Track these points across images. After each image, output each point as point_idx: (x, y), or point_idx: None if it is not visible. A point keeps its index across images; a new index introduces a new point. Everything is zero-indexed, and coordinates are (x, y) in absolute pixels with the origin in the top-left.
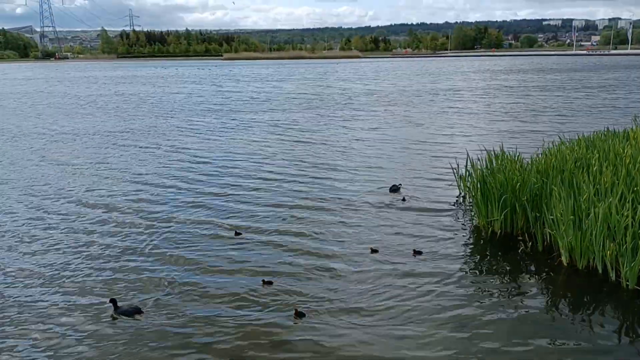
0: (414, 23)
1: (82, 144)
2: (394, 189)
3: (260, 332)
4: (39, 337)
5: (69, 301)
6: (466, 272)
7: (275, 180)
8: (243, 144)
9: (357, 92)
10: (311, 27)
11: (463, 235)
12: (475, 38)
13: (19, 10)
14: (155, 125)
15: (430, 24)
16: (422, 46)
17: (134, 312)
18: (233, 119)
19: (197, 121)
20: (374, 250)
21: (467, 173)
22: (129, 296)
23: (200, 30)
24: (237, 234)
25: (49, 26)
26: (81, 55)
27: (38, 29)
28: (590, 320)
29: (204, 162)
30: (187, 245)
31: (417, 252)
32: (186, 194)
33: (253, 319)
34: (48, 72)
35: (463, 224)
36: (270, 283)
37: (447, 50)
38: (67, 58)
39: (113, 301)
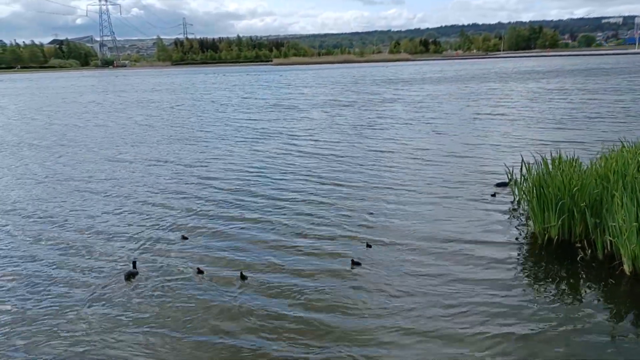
0: (465, 24)
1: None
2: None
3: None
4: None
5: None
6: (521, 280)
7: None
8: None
9: (405, 95)
10: (359, 31)
11: (518, 242)
12: (530, 38)
13: (79, 21)
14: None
15: (482, 24)
16: (473, 47)
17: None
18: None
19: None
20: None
21: (522, 178)
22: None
23: (250, 36)
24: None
25: (108, 35)
26: (138, 63)
27: (98, 39)
28: None
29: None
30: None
31: (355, 263)
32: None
33: None
34: (116, 81)
35: (518, 231)
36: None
37: (499, 51)
38: (125, 66)
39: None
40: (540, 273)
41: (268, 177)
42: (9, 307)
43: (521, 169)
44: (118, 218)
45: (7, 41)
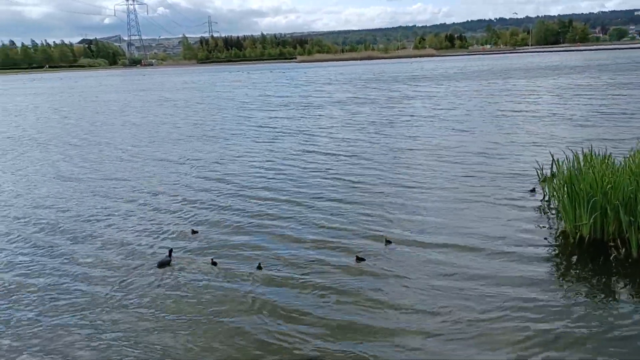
0: (492, 19)
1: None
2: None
3: None
4: None
5: None
6: (551, 280)
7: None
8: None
9: (426, 93)
10: (383, 27)
11: (548, 241)
12: (559, 32)
13: (107, 21)
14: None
15: (510, 19)
16: (500, 42)
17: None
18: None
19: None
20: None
21: (552, 174)
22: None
23: (274, 34)
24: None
25: (135, 35)
26: (164, 62)
27: (125, 38)
28: None
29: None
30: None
31: (388, 242)
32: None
33: None
34: (142, 79)
35: (548, 229)
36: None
37: (527, 45)
38: (152, 65)
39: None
40: (572, 272)
41: (286, 176)
42: (55, 294)
43: (552, 166)
44: (141, 214)
45: (38, 41)
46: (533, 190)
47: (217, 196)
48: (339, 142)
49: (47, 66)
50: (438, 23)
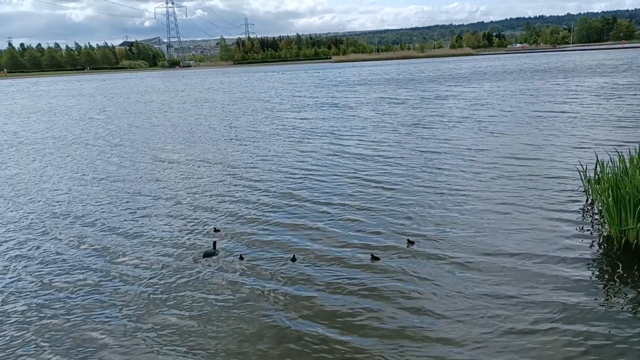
0: (532, 16)
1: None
2: None
3: None
4: None
5: None
6: (595, 287)
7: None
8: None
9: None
10: (420, 26)
11: (591, 245)
12: (602, 30)
13: (147, 23)
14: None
15: (550, 16)
16: (540, 40)
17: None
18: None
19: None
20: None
21: (597, 177)
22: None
23: (310, 34)
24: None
25: (174, 37)
26: (202, 63)
27: (165, 40)
28: None
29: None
30: None
31: (410, 242)
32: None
33: None
34: (179, 81)
35: (591, 233)
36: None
37: (568, 44)
38: (190, 66)
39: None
40: (617, 278)
41: (314, 179)
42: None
43: (595, 168)
44: (174, 213)
45: (81, 44)
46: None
47: (247, 196)
48: (368, 144)
49: (89, 68)
50: (475, 22)
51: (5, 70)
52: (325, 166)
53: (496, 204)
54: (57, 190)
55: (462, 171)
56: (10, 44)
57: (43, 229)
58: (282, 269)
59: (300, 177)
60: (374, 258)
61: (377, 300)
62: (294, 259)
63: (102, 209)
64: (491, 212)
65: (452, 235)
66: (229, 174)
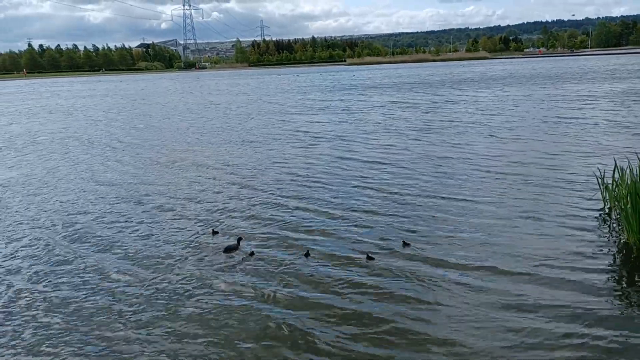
0: (549, 20)
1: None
2: None
3: None
4: None
5: None
6: (613, 294)
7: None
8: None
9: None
10: (435, 30)
11: (609, 254)
12: (621, 34)
13: (164, 25)
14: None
15: (568, 20)
16: (558, 45)
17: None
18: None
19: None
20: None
21: (615, 183)
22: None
23: (325, 37)
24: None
25: (191, 39)
26: (217, 65)
27: (181, 42)
28: None
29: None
30: None
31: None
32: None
33: None
34: (192, 82)
35: (609, 241)
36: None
37: (587, 48)
38: (206, 68)
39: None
40: (635, 287)
41: (320, 183)
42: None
43: (613, 174)
44: (171, 217)
45: (99, 45)
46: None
47: (251, 201)
48: (376, 148)
49: (104, 69)
50: (492, 25)
51: (24, 70)
52: (330, 172)
53: (510, 210)
54: (76, 188)
55: (474, 177)
56: (30, 45)
57: (60, 225)
58: (293, 266)
59: (307, 180)
60: (369, 258)
61: (379, 303)
62: (307, 255)
63: (114, 209)
64: (505, 218)
65: (464, 240)
66: (236, 175)
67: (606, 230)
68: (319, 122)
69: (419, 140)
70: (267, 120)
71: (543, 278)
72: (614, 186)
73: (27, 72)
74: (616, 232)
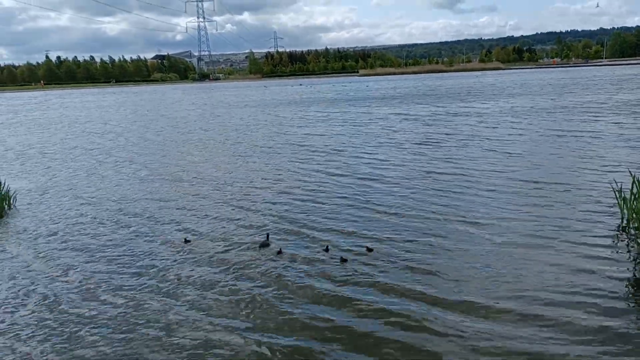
0: (563, 31)
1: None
2: None
3: None
4: None
5: None
6: (631, 309)
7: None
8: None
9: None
10: (448, 40)
11: (627, 268)
12: (637, 44)
13: (179, 37)
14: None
15: (582, 30)
16: (572, 55)
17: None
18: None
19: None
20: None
21: (633, 195)
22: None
23: (337, 48)
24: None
25: (205, 51)
26: (231, 76)
27: (196, 53)
28: None
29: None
30: None
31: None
32: None
33: None
34: (202, 94)
35: (627, 255)
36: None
37: (601, 58)
38: (219, 79)
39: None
40: None
41: (312, 203)
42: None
43: (632, 186)
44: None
45: (115, 57)
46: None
47: (245, 218)
48: (374, 164)
49: (113, 81)
50: (505, 36)
51: (42, 81)
52: (324, 190)
53: (523, 222)
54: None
55: (482, 191)
56: (47, 57)
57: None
58: (317, 265)
59: (296, 202)
60: (369, 250)
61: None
62: (327, 250)
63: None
64: (517, 233)
65: (480, 251)
66: (224, 195)
67: (624, 243)
68: (316, 134)
69: (420, 154)
70: (265, 132)
71: (559, 291)
72: (632, 199)
73: (45, 84)
74: (634, 244)
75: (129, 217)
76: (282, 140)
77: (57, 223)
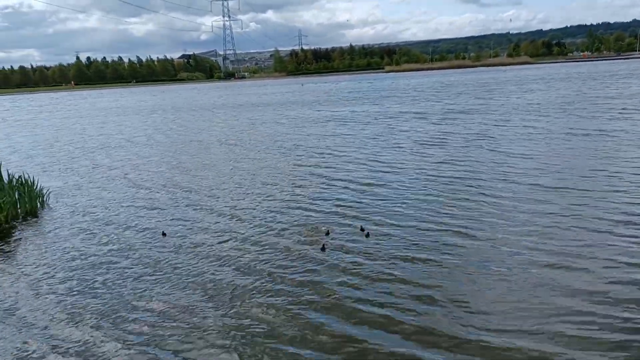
0: (594, 23)
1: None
2: None
3: None
4: None
5: None
6: None
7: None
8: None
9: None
10: (474, 35)
11: None
12: None
13: (204, 37)
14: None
15: (614, 23)
16: (603, 48)
17: None
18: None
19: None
20: None
21: None
22: None
23: (362, 45)
24: None
25: (230, 49)
26: (256, 75)
27: (221, 52)
28: None
29: None
30: None
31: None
32: None
33: None
34: (221, 92)
35: None
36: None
37: (635, 51)
38: (245, 77)
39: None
40: None
41: (302, 210)
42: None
43: None
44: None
45: (143, 57)
46: None
47: (239, 225)
48: (377, 166)
49: (134, 81)
50: (533, 30)
51: (72, 82)
52: (320, 198)
53: (550, 237)
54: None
55: (492, 206)
56: (77, 58)
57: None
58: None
59: (288, 214)
60: (362, 230)
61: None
62: (362, 229)
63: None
64: (544, 237)
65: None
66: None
67: None
68: (315, 134)
69: (427, 155)
70: (272, 134)
71: (583, 297)
72: None
73: (75, 84)
74: None
75: (164, 219)
76: (288, 145)
77: (93, 221)
